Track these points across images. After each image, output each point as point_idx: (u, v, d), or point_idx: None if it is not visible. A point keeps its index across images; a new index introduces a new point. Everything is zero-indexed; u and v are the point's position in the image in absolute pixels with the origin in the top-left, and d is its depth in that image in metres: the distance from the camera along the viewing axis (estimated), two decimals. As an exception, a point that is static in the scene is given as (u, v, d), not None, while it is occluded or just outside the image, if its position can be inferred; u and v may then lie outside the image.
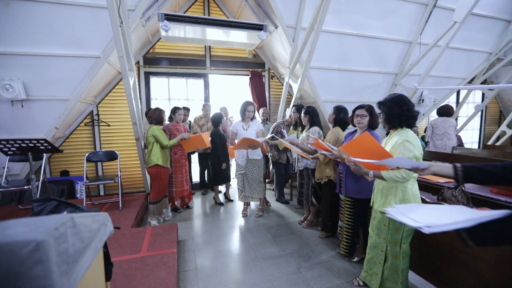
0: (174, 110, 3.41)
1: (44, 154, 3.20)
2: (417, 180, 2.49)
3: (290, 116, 3.64)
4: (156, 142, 3.03)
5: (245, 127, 3.26)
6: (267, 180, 4.07)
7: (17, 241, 0.50)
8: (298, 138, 3.00)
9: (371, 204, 1.92)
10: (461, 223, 0.81)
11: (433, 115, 6.23)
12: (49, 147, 2.74)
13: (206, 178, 4.60)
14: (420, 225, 0.86)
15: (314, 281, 2.12)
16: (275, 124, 3.76)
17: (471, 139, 7.05)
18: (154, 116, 3.07)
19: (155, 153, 3.02)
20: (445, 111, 4.29)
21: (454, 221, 0.83)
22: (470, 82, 5.50)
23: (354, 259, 2.38)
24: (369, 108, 2.16)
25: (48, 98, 3.18)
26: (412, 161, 1.19)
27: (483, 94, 6.57)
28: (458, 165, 1.06)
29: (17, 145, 2.62)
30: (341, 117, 2.61)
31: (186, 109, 4.24)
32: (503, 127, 6.24)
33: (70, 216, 0.67)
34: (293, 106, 3.52)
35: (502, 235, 0.77)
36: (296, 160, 3.08)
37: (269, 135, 3.45)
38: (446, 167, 1.09)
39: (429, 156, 3.93)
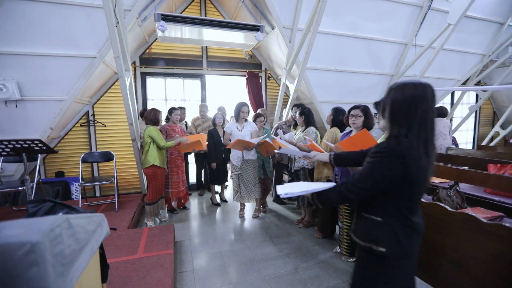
0: (171, 110, 3.40)
1: (39, 154, 3.16)
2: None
3: (291, 116, 3.66)
4: (153, 143, 3.01)
5: (239, 127, 3.26)
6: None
7: (12, 242, 0.49)
8: (295, 137, 3.02)
9: None
10: (305, 192, 1.16)
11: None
12: (44, 147, 2.71)
13: (202, 179, 4.59)
14: (281, 192, 1.14)
15: (311, 281, 2.12)
16: (277, 124, 3.78)
17: (465, 139, 7.14)
18: (150, 117, 3.06)
19: (151, 153, 3.01)
20: (439, 112, 4.34)
21: (303, 190, 1.15)
22: (464, 83, 5.57)
23: (352, 259, 2.40)
24: (364, 109, 2.17)
25: (43, 98, 3.15)
26: (303, 152, 1.70)
27: (477, 95, 6.66)
28: (331, 153, 1.53)
29: (11, 146, 2.59)
30: (339, 118, 2.63)
31: (182, 109, 4.23)
32: (497, 127, 6.33)
33: (66, 217, 0.66)
34: (294, 106, 3.53)
35: (328, 199, 1.15)
36: (293, 161, 3.08)
37: (270, 136, 3.46)
38: (325, 155, 1.56)
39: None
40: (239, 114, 3.23)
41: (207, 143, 3.71)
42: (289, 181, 3.98)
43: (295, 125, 3.50)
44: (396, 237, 1.04)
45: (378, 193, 1.05)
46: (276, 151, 2.04)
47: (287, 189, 1.18)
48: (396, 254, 1.04)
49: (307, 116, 2.91)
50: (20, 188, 2.83)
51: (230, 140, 3.30)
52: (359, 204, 1.16)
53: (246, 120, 3.30)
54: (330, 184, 1.16)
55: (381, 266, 1.07)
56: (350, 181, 1.07)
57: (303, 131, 2.95)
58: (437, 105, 4.61)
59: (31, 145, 2.62)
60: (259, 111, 4.21)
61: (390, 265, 1.06)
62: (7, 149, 2.63)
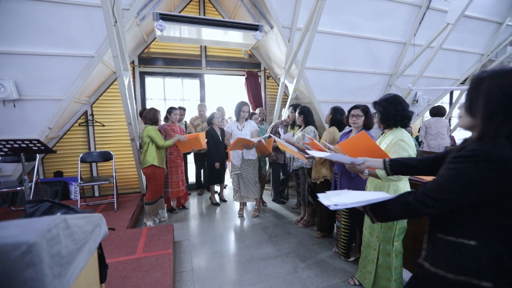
0: (170, 110, 3.39)
1: (37, 154, 3.15)
2: (415, 182, 2.54)
3: (288, 116, 3.66)
4: (152, 143, 3.01)
5: (239, 127, 3.26)
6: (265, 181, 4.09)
7: (8, 243, 0.49)
8: (294, 137, 3.02)
9: None
10: (358, 203, 0.99)
11: (427, 115, 6.32)
12: (42, 147, 2.70)
13: (202, 179, 4.58)
14: (330, 203, 0.98)
15: (310, 281, 2.13)
16: (273, 124, 3.77)
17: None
18: (149, 116, 3.05)
19: (150, 153, 3.00)
20: (437, 112, 4.35)
21: (355, 201, 0.98)
22: (463, 83, 5.58)
23: (351, 259, 2.40)
24: (364, 109, 2.17)
25: (41, 98, 3.14)
26: (350, 158, 1.33)
27: (475, 95, 6.67)
28: (386, 160, 1.22)
29: (9, 146, 2.58)
30: (337, 118, 2.63)
31: (182, 109, 4.22)
32: (495, 127, 6.34)
33: (63, 217, 0.66)
34: (290, 105, 3.53)
35: (387, 211, 0.95)
36: (292, 160, 3.08)
37: (266, 135, 3.46)
38: (378, 162, 1.24)
39: (422, 155, 3.97)
40: (240, 113, 3.23)
41: (206, 140, 3.71)
42: (282, 180, 3.99)
43: (292, 125, 3.50)
44: (505, 267, 0.77)
45: (465, 207, 0.82)
46: (318, 155, 1.63)
47: (333, 199, 1.02)
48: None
49: (306, 115, 2.91)
50: (18, 188, 2.82)
51: (230, 140, 3.29)
52: (432, 222, 0.94)
53: (246, 119, 3.30)
54: (386, 194, 0.99)
55: None
56: (422, 191, 0.87)
57: (302, 131, 2.95)
58: (435, 105, 4.62)
59: (29, 145, 2.61)
60: (257, 110, 4.21)
61: None
62: (5, 149, 2.62)
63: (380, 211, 0.97)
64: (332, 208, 0.96)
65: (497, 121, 0.78)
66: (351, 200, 1.00)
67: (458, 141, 5.98)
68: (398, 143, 1.63)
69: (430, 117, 4.48)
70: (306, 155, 2.45)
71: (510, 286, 0.76)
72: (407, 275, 2.03)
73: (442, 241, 0.88)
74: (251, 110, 3.80)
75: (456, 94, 6.29)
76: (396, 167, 1.19)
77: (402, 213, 0.92)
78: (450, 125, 4.57)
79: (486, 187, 0.77)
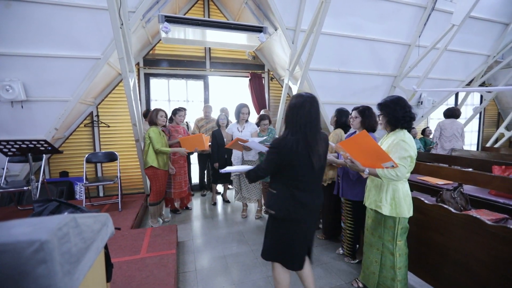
0: (175, 111, 3.41)
1: (44, 155, 3.19)
2: (417, 183, 2.52)
3: None
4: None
5: (240, 128, 3.28)
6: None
7: (22, 240, 0.50)
8: None
9: (363, 203, 1.94)
10: (238, 171, 1.91)
11: (432, 116, 6.27)
12: (49, 148, 2.74)
13: (205, 179, 4.60)
14: (222, 170, 1.82)
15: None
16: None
17: (469, 141, 7.08)
18: (150, 117, 3.06)
19: (150, 154, 2.97)
20: (452, 113, 4.30)
21: (235, 170, 1.85)
22: (469, 84, 5.53)
23: (356, 260, 2.40)
24: (361, 110, 2.18)
25: (48, 99, 3.19)
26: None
27: (481, 96, 6.61)
28: None
29: (17, 146, 2.63)
30: (342, 120, 2.63)
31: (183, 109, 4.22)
32: (501, 129, 6.27)
33: (73, 216, 0.67)
34: None
35: (250, 175, 1.59)
36: None
37: (264, 138, 3.46)
38: None
39: (427, 157, 3.95)
40: (239, 115, 3.25)
41: (210, 143, 3.73)
42: None
43: None
44: (283, 205, 1.49)
45: (274, 173, 1.54)
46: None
47: (227, 169, 1.80)
48: (283, 217, 1.51)
49: None
50: (25, 188, 2.85)
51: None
52: (270, 182, 1.61)
53: (246, 121, 3.32)
54: (250, 167, 1.64)
55: (274, 223, 1.56)
56: (259, 165, 1.54)
57: None
58: (450, 107, 4.56)
59: (37, 145, 2.66)
60: (262, 112, 4.21)
61: (279, 224, 1.54)
62: (13, 149, 2.66)
63: (249, 175, 1.59)
64: (221, 171, 1.81)
65: (286, 125, 1.52)
66: (234, 169, 1.84)
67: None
68: (399, 143, 1.64)
69: (444, 118, 4.42)
70: None
71: (283, 214, 1.50)
72: (411, 278, 2.02)
73: (269, 192, 1.59)
74: (254, 113, 3.80)
75: (461, 95, 6.23)
76: None
77: (255, 176, 1.57)
78: (463, 127, 4.47)
79: (275, 162, 1.47)
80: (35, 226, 0.55)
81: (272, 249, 1.58)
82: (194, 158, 4.58)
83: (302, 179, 1.47)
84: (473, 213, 1.95)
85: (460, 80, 5.07)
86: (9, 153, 2.70)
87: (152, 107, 4.39)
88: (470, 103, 6.75)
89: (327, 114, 4.19)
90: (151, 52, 4.41)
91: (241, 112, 3.24)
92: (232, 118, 4.96)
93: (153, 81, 4.57)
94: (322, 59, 3.90)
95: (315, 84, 4.06)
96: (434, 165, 2.91)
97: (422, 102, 4.85)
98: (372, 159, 1.67)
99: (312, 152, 1.43)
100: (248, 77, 4.88)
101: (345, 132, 2.64)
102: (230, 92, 5.13)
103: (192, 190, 4.46)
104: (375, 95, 4.51)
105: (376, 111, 1.86)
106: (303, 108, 1.44)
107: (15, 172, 3.48)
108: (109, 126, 4.23)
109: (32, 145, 2.64)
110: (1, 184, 3.04)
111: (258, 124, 3.39)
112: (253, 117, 4.43)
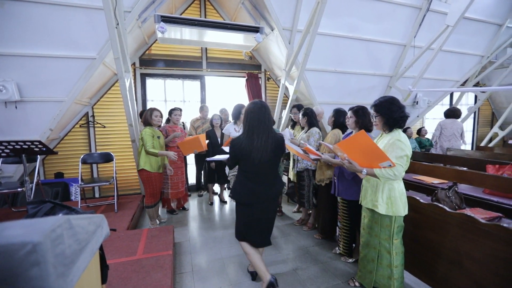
0: (171, 111, 3.40)
1: (38, 156, 3.16)
2: (413, 182, 2.54)
3: (290, 117, 3.66)
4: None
5: (237, 129, 3.28)
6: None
7: (14, 242, 0.50)
8: (296, 138, 3.02)
9: (359, 202, 1.96)
10: (220, 159, 2.43)
11: (427, 116, 6.32)
12: (44, 148, 2.71)
13: (202, 180, 4.59)
14: (208, 158, 2.77)
15: (310, 282, 2.13)
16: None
17: (464, 140, 7.15)
18: (144, 117, 2.97)
19: (142, 157, 2.88)
20: (453, 113, 4.34)
21: (218, 158, 2.39)
22: (463, 84, 5.59)
23: (352, 259, 2.41)
24: (355, 110, 2.19)
25: (43, 99, 3.15)
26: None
27: (475, 96, 6.68)
28: None
29: (11, 147, 2.59)
30: (340, 120, 2.64)
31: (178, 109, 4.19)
32: (495, 128, 6.35)
33: (67, 217, 0.66)
34: (294, 106, 3.49)
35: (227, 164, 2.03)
36: (296, 161, 3.07)
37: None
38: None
39: (422, 157, 3.98)
40: (239, 116, 3.24)
41: (207, 141, 3.71)
42: (290, 186, 3.99)
43: (293, 126, 3.50)
44: (237, 190, 1.89)
45: (234, 165, 1.93)
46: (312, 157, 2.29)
47: (215, 157, 2.41)
48: (237, 200, 1.94)
49: (310, 117, 2.92)
50: (19, 189, 2.83)
51: None
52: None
53: None
54: (227, 156, 1.96)
55: (236, 207, 1.99)
56: (228, 158, 1.92)
57: (306, 132, 2.95)
58: (451, 107, 4.60)
59: (31, 146, 2.62)
60: None
61: (237, 207, 1.97)
62: (7, 150, 2.63)
63: (227, 163, 2.05)
64: (207, 159, 2.69)
65: (243, 127, 1.86)
66: (220, 158, 2.35)
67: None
68: (395, 143, 1.66)
69: (444, 118, 4.46)
70: (312, 157, 2.47)
71: (235, 197, 1.91)
72: (407, 276, 2.03)
73: (235, 180, 1.97)
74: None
75: (456, 96, 6.30)
76: None
77: (229, 164, 1.99)
78: (463, 128, 4.49)
79: (233, 157, 1.87)
80: (28, 228, 0.54)
81: (237, 228, 1.98)
82: (191, 159, 4.57)
83: (250, 170, 1.83)
84: (468, 211, 1.97)
85: (455, 80, 5.13)
86: (3, 154, 2.67)
87: (148, 108, 4.36)
88: (465, 103, 6.83)
89: (324, 114, 4.20)
90: (147, 52, 4.39)
91: (241, 113, 3.24)
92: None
93: (149, 81, 4.55)
94: (319, 59, 3.92)
95: (311, 84, 4.08)
96: (429, 165, 2.94)
97: (417, 102, 4.90)
98: (369, 159, 1.68)
99: (253, 149, 1.75)
100: (244, 77, 4.88)
101: (343, 133, 2.66)
102: (227, 92, 5.12)
103: (189, 191, 4.44)
104: (371, 95, 4.54)
105: (371, 112, 1.87)
106: (253, 113, 1.77)
107: (9, 174, 3.44)
108: (105, 127, 4.19)
109: (26, 146, 2.61)
110: (-5, 186, 3.01)
111: None
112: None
